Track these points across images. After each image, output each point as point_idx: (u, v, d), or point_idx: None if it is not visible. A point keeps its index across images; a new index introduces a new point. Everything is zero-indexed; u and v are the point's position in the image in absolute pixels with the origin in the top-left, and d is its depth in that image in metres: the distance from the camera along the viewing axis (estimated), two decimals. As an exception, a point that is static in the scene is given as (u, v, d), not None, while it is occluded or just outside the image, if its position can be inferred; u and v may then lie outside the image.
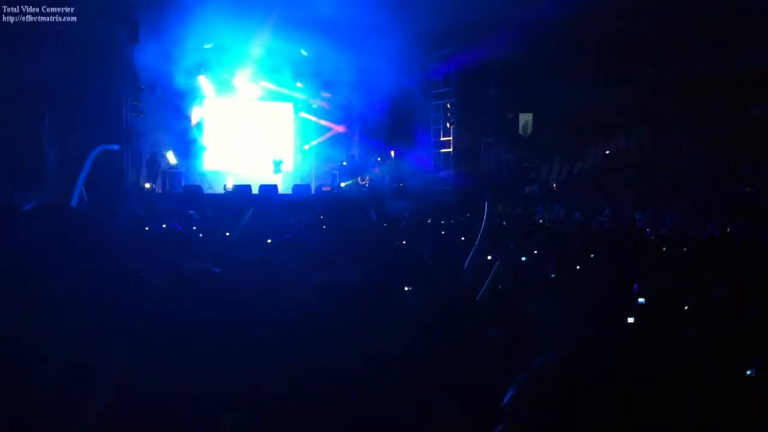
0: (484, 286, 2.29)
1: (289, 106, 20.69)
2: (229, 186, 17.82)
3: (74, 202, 5.46)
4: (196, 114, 19.09)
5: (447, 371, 1.29)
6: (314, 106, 20.74)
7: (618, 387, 0.96)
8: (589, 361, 1.03)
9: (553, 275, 6.32)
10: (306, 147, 20.92)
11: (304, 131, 20.93)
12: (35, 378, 1.38)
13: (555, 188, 18.42)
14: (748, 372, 2.25)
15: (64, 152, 12.92)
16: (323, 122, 20.91)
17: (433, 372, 1.34)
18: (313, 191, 18.79)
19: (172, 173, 17.67)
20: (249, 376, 1.40)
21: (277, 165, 18.91)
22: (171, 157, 18.00)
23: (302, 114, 20.85)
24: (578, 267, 6.78)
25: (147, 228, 6.78)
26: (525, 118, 20.93)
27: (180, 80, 17.66)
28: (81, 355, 1.42)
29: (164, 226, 8.35)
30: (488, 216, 3.56)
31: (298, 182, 19.24)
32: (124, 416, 1.38)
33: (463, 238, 8.16)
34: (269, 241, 5.69)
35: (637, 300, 5.02)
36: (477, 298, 2.24)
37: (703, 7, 15.50)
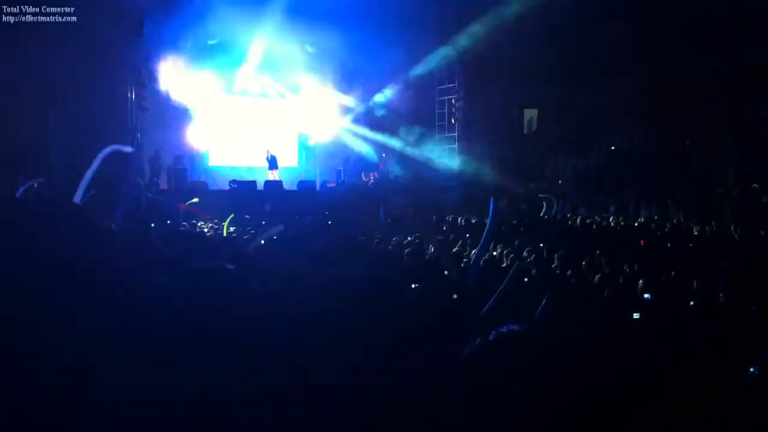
0: (491, 300, 2.28)
1: (294, 102, 20.66)
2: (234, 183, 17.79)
3: (78, 199, 5.48)
4: (201, 111, 19.08)
5: (447, 371, 1.30)
6: (319, 101, 20.67)
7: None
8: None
9: (558, 271, 6.33)
10: (311, 143, 20.89)
11: (309, 127, 20.89)
12: (37, 380, 1.38)
13: (560, 184, 18.38)
14: (751, 369, 2.25)
15: (70, 149, 12.97)
16: (328, 118, 20.85)
17: (433, 370, 1.35)
18: (318, 187, 18.77)
19: (177, 169, 17.64)
20: (258, 372, 1.41)
21: (271, 161, 18.73)
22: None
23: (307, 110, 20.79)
24: (583, 263, 6.79)
25: (152, 225, 6.80)
26: (530, 114, 20.90)
27: (185, 77, 17.66)
28: (84, 357, 1.42)
29: (168, 222, 8.39)
30: (493, 214, 3.55)
31: (303, 178, 19.22)
32: (129, 416, 1.38)
33: (467, 235, 8.17)
34: (274, 238, 5.71)
35: (642, 296, 5.04)
36: (482, 313, 2.24)
37: (708, 5, 15.45)
